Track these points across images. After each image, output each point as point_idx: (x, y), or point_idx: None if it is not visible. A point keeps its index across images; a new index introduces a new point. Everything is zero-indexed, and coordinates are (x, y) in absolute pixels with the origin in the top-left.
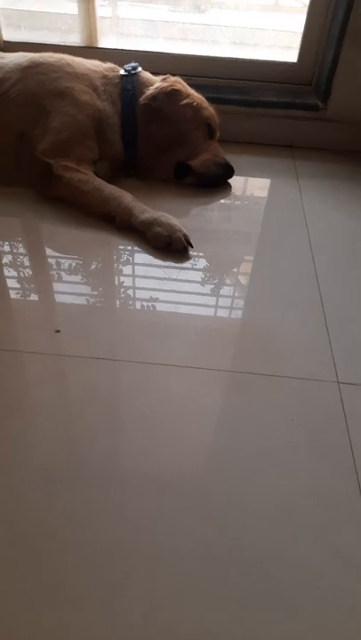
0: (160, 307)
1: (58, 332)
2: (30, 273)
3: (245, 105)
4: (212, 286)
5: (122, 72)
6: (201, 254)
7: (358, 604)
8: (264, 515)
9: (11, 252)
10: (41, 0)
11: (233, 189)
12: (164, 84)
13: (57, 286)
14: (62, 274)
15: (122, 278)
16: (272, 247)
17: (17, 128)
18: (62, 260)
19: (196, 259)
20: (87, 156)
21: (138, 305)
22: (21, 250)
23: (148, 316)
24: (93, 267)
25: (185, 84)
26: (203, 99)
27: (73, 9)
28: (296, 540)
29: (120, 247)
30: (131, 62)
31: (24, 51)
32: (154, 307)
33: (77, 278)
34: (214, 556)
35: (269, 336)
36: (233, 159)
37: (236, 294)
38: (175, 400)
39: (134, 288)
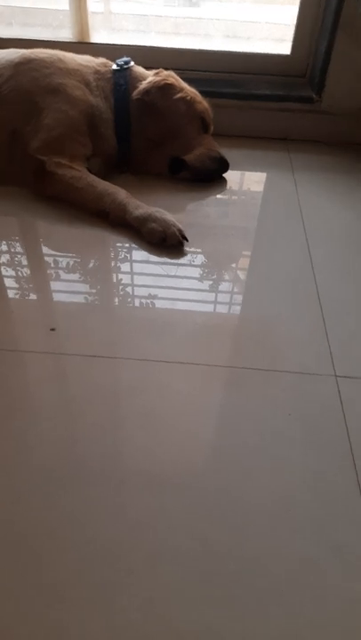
0: (158, 303)
1: (53, 330)
2: (27, 272)
3: (239, 98)
4: (210, 282)
5: (114, 67)
6: (198, 250)
7: (357, 600)
8: (262, 510)
9: (7, 252)
10: None
11: (228, 183)
12: (157, 79)
13: (54, 285)
14: (59, 272)
15: (119, 275)
16: (268, 241)
17: (9, 125)
18: (59, 259)
19: (193, 255)
20: (80, 152)
21: (136, 302)
22: (17, 248)
23: (147, 312)
24: (90, 264)
25: (178, 77)
26: (196, 92)
27: (64, 5)
28: (294, 535)
29: (118, 245)
30: (123, 57)
31: (16, 47)
32: (152, 303)
33: (75, 276)
34: (214, 554)
35: (266, 331)
36: (227, 153)
37: (233, 289)
38: (174, 397)
39: (132, 285)
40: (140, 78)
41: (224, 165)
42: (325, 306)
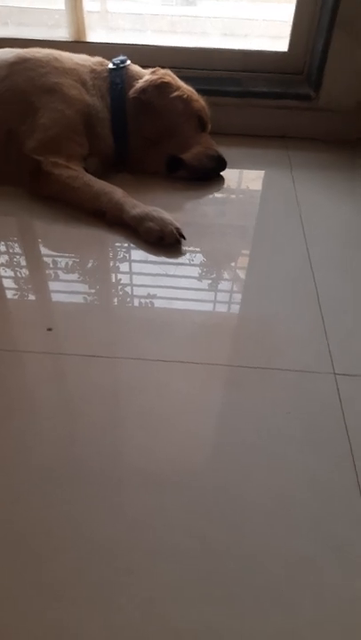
0: (157, 303)
1: (50, 330)
2: (25, 272)
3: (236, 96)
4: (208, 281)
5: (110, 66)
6: (196, 249)
7: (356, 599)
8: (261, 509)
9: (4, 252)
10: None
11: (226, 182)
12: (154, 77)
13: (52, 285)
14: (57, 272)
15: (118, 275)
16: (267, 240)
17: (4, 125)
18: (56, 259)
19: (192, 254)
20: (77, 151)
21: (135, 302)
22: (14, 249)
23: (145, 312)
24: (88, 264)
25: (175, 76)
26: (193, 91)
27: (60, 4)
28: (293, 533)
29: (115, 244)
30: (119, 56)
31: (11, 46)
32: (151, 303)
33: (73, 276)
34: (213, 552)
35: (265, 329)
36: (225, 151)
37: (232, 288)
38: (173, 396)
39: (131, 285)
40: (137, 77)
41: (222, 164)
42: (324, 304)
